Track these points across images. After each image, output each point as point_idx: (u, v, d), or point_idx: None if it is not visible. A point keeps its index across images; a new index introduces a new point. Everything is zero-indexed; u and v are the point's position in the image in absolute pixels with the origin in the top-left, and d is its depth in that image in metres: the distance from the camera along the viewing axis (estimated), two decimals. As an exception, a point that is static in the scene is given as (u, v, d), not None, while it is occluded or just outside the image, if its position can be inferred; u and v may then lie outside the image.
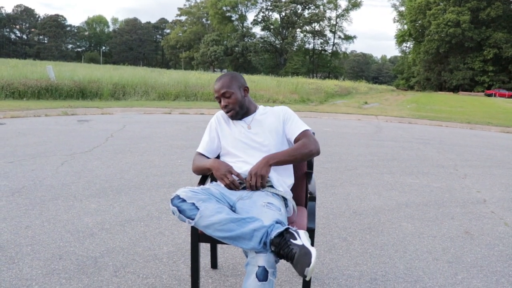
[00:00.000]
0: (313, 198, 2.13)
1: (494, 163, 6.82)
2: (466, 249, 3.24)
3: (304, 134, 2.28)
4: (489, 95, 52.49)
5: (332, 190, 4.68)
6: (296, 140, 2.28)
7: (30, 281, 2.40)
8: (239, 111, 2.30)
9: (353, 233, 3.42)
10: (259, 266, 1.71)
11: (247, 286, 1.72)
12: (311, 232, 1.99)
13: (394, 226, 3.64)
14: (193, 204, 1.88)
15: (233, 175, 2.12)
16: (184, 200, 1.89)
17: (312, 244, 2.02)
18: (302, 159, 2.20)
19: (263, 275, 1.70)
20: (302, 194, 2.43)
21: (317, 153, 2.23)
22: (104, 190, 4.19)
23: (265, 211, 1.89)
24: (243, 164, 2.22)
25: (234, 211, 2.02)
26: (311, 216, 2.05)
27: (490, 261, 3.03)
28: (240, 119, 2.35)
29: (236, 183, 2.10)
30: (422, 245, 3.26)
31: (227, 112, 2.30)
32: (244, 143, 2.28)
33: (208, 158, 2.36)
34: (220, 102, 2.30)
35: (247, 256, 1.82)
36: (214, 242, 2.15)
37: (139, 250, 2.89)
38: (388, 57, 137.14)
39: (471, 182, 5.40)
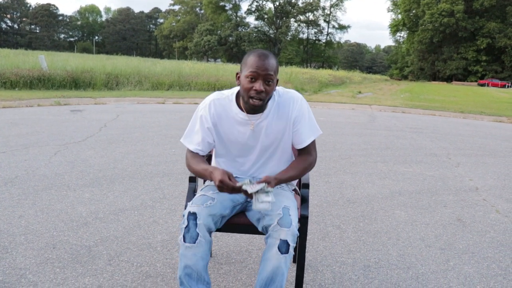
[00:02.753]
0: (306, 186, 2.13)
1: (487, 152, 6.86)
2: (458, 236, 3.27)
3: (309, 151, 2.09)
4: (482, 85, 52.69)
5: (326, 178, 4.69)
6: (300, 150, 2.11)
7: (24, 271, 2.40)
8: (265, 104, 1.95)
9: (346, 221, 3.44)
10: (281, 239, 1.76)
11: (269, 258, 1.77)
12: (304, 220, 2.00)
13: (387, 214, 3.67)
14: (197, 235, 1.80)
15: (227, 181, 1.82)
16: (196, 225, 1.81)
17: (306, 232, 2.03)
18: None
19: (285, 248, 1.75)
20: (296, 182, 2.43)
21: None
22: (98, 180, 4.18)
23: (279, 192, 2.01)
24: (239, 164, 2.12)
25: (249, 200, 2.03)
26: (305, 203, 2.06)
27: (482, 248, 3.07)
28: (251, 112, 1.98)
29: (233, 190, 1.82)
30: (415, 232, 3.29)
31: (254, 99, 1.88)
32: (245, 148, 2.06)
33: (201, 157, 2.05)
34: (252, 81, 1.86)
35: (266, 232, 1.85)
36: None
37: (133, 239, 2.90)
38: (382, 46, 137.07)
39: (463, 171, 5.43)
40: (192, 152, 2.05)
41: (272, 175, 1.96)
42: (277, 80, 1.96)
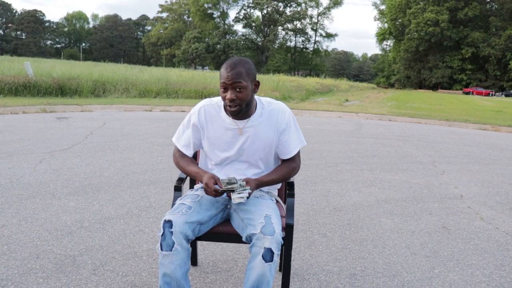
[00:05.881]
0: (291, 195, 2.14)
1: (471, 160, 6.95)
2: (443, 243, 3.30)
3: (293, 158, 2.18)
4: (467, 93, 53.51)
5: (312, 186, 4.71)
6: (282, 160, 2.20)
7: (6, 281, 2.36)
8: (244, 109, 1.98)
9: (332, 229, 3.45)
10: (265, 248, 1.77)
11: (253, 267, 1.78)
12: (289, 228, 2.01)
13: (373, 222, 3.69)
14: (173, 243, 1.82)
15: (215, 185, 1.93)
16: (171, 232, 1.83)
17: (292, 240, 2.03)
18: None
19: (269, 256, 1.76)
20: (282, 190, 2.44)
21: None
22: (83, 188, 4.14)
23: (260, 201, 2.04)
24: (225, 169, 2.16)
25: (229, 208, 2.09)
26: (290, 212, 2.06)
27: (466, 255, 3.10)
28: (238, 118, 2.05)
29: (216, 193, 1.92)
30: (400, 240, 3.31)
31: (231, 107, 1.95)
32: (232, 152, 2.10)
33: (189, 157, 2.18)
34: (224, 91, 1.95)
35: (250, 241, 1.86)
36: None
37: (119, 248, 2.87)
38: (369, 55, 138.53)
39: (448, 178, 5.49)
40: (180, 151, 2.19)
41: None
42: (257, 83, 2.03)
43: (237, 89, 1.92)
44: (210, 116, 2.10)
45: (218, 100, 2.12)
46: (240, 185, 1.91)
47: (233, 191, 1.89)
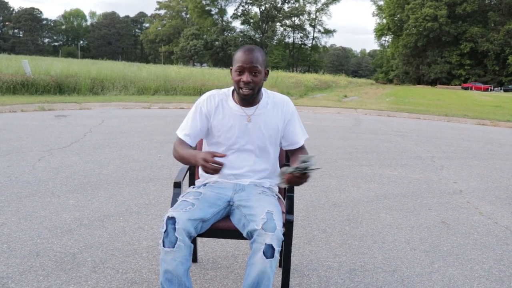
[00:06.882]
0: (291, 190, 2.14)
1: (470, 155, 6.95)
2: (443, 238, 3.30)
3: (302, 149, 2.24)
4: (466, 88, 53.51)
5: (312, 182, 4.71)
6: (293, 152, 2.23)
7: (6, 279, 2.36)
8: (255, 94, 2.07)
9: (332, 225, 3.46)
10: (266, 244, 1.77)
11: (254, 263, 1.78)
12: (289, 224, 2.01)
13: (373, 217, 3.69)
14: (176, 239, 1.81)
15: (214, 158, 1.85)
16: (174, 229, 1.82)
17: (291, 236, 2.04)
18: None
19: (270, 253, 1.77)
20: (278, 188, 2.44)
21: None
22: (83, 186, 4.13)
23: (262, 197, 2.05)
24: (230, 159, 2.18)
25: (232, 205, 2.08)
26: (290, 208, 2.07)
27: (465, 250, 3.10)
28: (246, 105, 2.14)
29: (217, 167, 1.84)
30: (400, 235, 3.32)
31: (244, 90, 2.03)
32: (238, 143, 2.15)
33: (189, 145, 2.13)
34: (240, 74, 2.02)
35: (251, 237, 1.86)
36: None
37: (118, 245, 2.87)
38: (368, 51, 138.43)
39: (448, 173, 5.50)
40: (180, 139, 2.14)
41: (261, 172, 2.20)
42: (267, 71, 2.14)
43: (253, 73, 2.02)
44: (218, 103, 2.16)
45: (225, 90, 2.21)
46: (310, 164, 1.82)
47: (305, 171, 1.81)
